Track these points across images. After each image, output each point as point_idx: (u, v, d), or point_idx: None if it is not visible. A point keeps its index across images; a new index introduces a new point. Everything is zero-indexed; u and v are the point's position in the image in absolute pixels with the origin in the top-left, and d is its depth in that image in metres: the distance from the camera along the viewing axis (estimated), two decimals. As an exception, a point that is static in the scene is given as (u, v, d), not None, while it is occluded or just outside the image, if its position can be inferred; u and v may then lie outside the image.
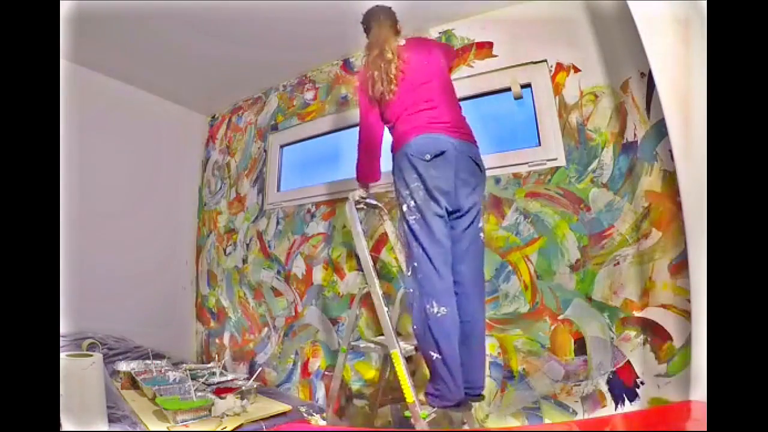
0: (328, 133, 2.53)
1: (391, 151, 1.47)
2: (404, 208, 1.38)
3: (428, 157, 1.35)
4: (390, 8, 1.61)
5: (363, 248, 1.47)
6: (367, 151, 1.57)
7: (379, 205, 1.73)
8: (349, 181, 2.34)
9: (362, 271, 1.51)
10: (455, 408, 1.35)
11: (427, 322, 1.30)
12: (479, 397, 1.42)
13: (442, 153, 1.35)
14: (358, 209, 1.58)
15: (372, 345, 1.58)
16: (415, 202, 1.35)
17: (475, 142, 1.46)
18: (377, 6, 1.62)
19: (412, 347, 1.49)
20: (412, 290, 1.37)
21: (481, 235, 1.46)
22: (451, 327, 1.30)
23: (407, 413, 1.30)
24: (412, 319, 1.37)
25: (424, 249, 1.33)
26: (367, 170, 1.60)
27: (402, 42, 1.55)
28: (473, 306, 1.40)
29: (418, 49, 1.53)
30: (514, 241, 1.78)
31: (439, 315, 1.28)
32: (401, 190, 1.40)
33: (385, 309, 1.39)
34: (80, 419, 1.19)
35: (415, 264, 1.35)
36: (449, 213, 1.39)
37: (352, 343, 1.57)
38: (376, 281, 1.43)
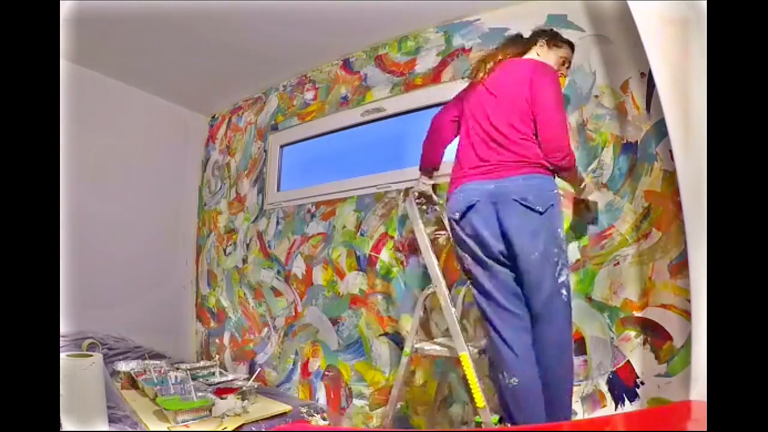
0: (327, 133, 2.53)
1: None
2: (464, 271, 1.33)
3: (457, 216, 1.28)
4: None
5: (426, 248, 1.39)
6: (432, 141, 1.50)
7: (440, 201, 1.62)
8: (348, 182, 2.35)
9: (426, 269, 1.45)
10: None
11: (500, 392, 1.25)
12: None
13: (472, 206, 1.25)
14: (417, 204, 1.50)
15: (438, 347, 1.46)
16: (465, 269, 1.31)
17: (527, 173, 1.24)
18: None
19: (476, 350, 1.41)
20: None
21: (564, 291, 1.24)
22: (524, 396, 1.21)
23: (479, 418, 1.26)
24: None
25: (488, 318, 1.26)
26: (428, 156, 1.51)
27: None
28: (554, 373, 1.23)
29: (509, 71, 1.35)
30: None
31: (510, 385, 1.21)
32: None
33: (453, 310, 1.32)
34: (80, 419, 1.19)
35: (486, 328, 1.29)
36: (513, 267, 1.25)
37: (416, 346, 1.47)
38: (443, 281, 1.36)
